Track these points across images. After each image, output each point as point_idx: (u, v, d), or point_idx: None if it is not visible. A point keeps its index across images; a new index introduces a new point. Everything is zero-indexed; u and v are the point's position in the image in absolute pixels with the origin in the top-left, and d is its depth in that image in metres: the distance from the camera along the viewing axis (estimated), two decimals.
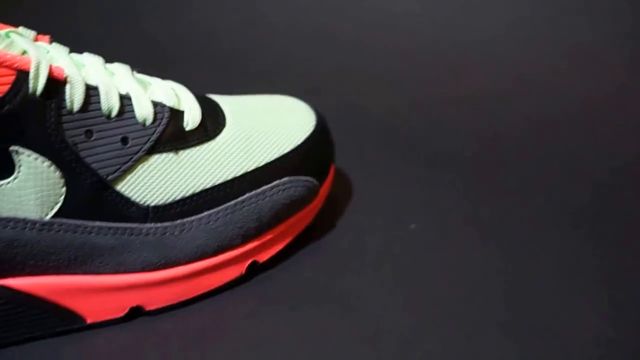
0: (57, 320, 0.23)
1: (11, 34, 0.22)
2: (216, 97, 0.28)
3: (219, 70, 0.54)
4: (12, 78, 0.20)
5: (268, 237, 0.26)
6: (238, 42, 0.59)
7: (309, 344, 0.23)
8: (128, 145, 0.23)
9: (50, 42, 0.24)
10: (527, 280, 0.27)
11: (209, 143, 0.25)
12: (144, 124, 0.23)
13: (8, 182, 0.21)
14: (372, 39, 0.56)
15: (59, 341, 0.23)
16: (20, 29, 0.23)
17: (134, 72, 0.25)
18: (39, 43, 0.23)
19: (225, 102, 0.27)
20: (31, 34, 0.24)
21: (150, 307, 0.24)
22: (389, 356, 0.23)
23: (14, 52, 0.21)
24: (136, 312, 0.24)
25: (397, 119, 0.44)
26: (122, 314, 0.24)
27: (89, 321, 0.24)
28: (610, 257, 0.28)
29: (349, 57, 0.54)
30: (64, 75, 0.21)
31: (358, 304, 0.25)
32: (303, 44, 0.57)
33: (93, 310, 0.24)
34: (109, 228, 0.23)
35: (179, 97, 0.25)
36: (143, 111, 0.23)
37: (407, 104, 0.46)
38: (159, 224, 0.23)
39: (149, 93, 0.24)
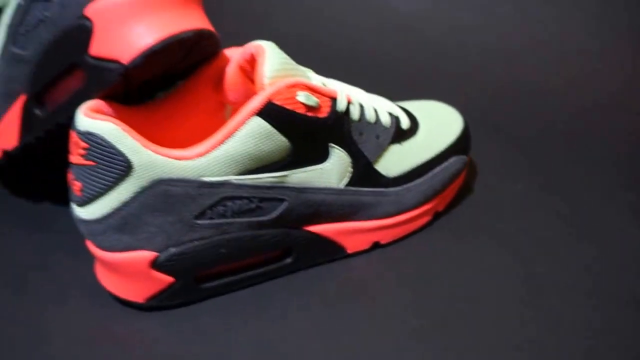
0: (332, 251, 0.38)
1: (306, 71, 0.36)
2: (399, 104, 0.43)
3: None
4: (329, 103, 0.34)
5: (445, 194, 0.41)
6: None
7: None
8: (379, 140, 0.37)
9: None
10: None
11: (415, 136, 0.39)
12: (386, 127, 0.37)
13: (324, 165, 0.35)
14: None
15: (327, 269, 0.38)
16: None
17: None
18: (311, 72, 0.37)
19: (407, 106, 0.42)
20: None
21: (384, 241, 0.39)
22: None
23: (318, 83, 0.35)
24: (375, 245, 0.39)
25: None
26: (367, 247, 0.39)
27: (348, 252, 0.38)
28: None
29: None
30: (351, 99, 0.36)
31: None
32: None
33: (352, 245, 0.38)
34: (371, 192, 0.37)
35: (392, 107, 0.39)
36: (386, 119, 0.37)
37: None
38: (396, 188, 0.38)
39: (384, 106, 0.38)
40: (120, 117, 0.34)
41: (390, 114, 0.38)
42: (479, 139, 0.45)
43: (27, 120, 0.38)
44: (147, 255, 0.33)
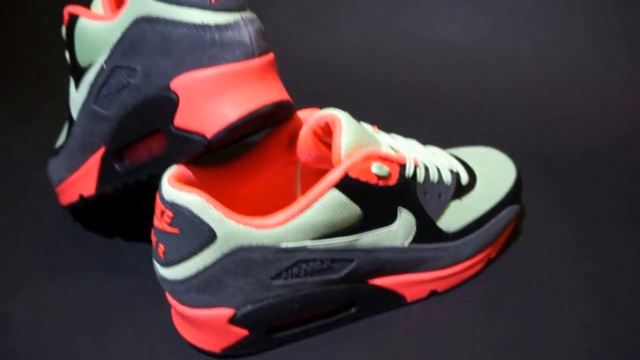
0: (393, 301, 0.40)
1: (374, 133, 0.38)
2: (454, 152, 0.44)
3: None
4: (398, 169, 0.36)
5: (497, 242, 0.43)
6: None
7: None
8: (441, 198, 0.39)
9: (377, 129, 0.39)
10: None
11: (473, 190, 0.41)
12: (447, 185, 0.39)
13: (391, 227, 0.37)
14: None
15: (387, 317, 0.40)
16: (364, 123, 0.39)
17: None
18: (373, 130, 0.39)
19: (463, 156, 0.44)
20: (368, 126, 0.39)
21: (441, 290, 0.41)
22: None
23: (388, 150, 0.37)
24: (432, 293, 0.41)
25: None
26: (425, 295, 0.41)
27: (407, 301, 0.40)
28: None
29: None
30: (417, 162, 0.37)
31: None
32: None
33: (412, 294, 0.40)
34: (432, 247, 0.39)
35: (452, 162, 0.41)
36: (447, 177, 0.39)
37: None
38: (455, 242, 0.40)
39: (445, 164, 0.40)
40: (197, 176, 0.36)
41: (451, 171, 0.40)
42: (526, 178, 0.47)
43: (106, 173, 0.40)
44: (226, 312, 0.36)
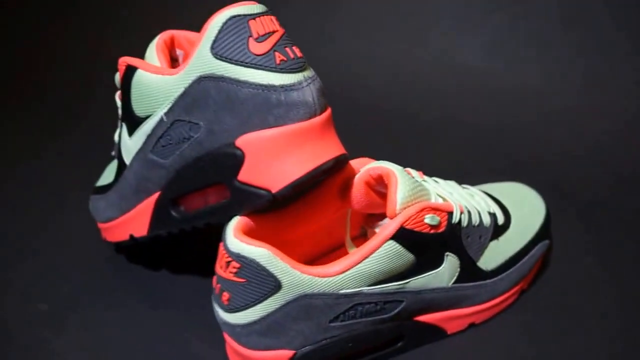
0: (435, 334, 0.42)
1: (421, 181, 0.40)
2: (485, 189, 0.47)
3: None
4: (446, 217, 0.38)
5: (529, 276, 0.46)
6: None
7: None
8: (482, 240, 0.41)
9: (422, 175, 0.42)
10: None
11: (510, 229, 0.44)
12: (487, 227, 0.42)
13: (439, 270, 0.39)
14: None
15: (430, 348, 0.43)
16: (412, 171, 0.41)
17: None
18: (424, 178, 0.41)
19: (495, 193, 0.46)
20: (416, 173, 0.41)
21: (478, 322, 0.44)
22: None
23: (437, 199, 0.39)
24: (470, 325, 0.44)
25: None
26: (464, 328, 0.43)
27: (448, 334, 0.43)
28: None
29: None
30: (462, 208, 0.40)
31: None
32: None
33: (452, 328, 0.43)
34: (472, 286, 0.42)
35: (489, 204, 0.44)
36: (487, 220, 0.42)
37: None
38: (493, 279, 0.42)
39: (484, 207, 0.42)
40: (256, 224, 0.38)
41: (489, 213, 0.42)
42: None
43: (161, 217, 0.42)
44: (286, 354, 0.38)
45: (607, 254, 0.51)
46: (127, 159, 0.43)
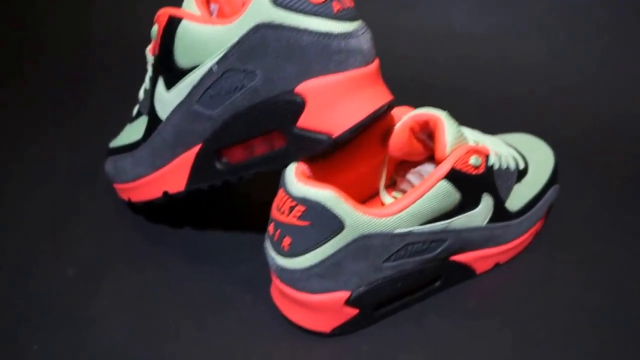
0: (467, 274, 0.46)
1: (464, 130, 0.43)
2: (504, 139, 0.50)
3: None
4: (484, 159, 0.41)
5: (543, 218, 0.50)
6: None
7: None
8: (509, 183, 0.45)
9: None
10: None
11: (528, 174, 0.47)
12: (512, 172, 0.45)
13: (476, 210, 0.42)
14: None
15: (461, 288, 0.46)
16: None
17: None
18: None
19: (511, 142, 0.50)
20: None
21: (502, 262, 0.47)
22: None
23: (474, 144, 0.42)
24: (496, 265, 0.47)
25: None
26: (490, 268, 0.47)
27: (477, 274, 0.46)
28: None
29: None
30: (496, 152, 0.43)
31: None
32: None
33: (481, 267, 0.46)
34: (501, 225, 0.45)
35: (511, 151, 0.47)
36: (512, 165, 0.45)
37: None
38: (516, 220, 0.46)
39: (508, 153, 0.46)
40: (312, 171, 0.40)
41: (513, 158, 0.46)
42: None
43: (203, 170, 0.42)
44: (343, 295, 0.40)
45: (609, 197, 0.55)
46: (163, 114, 0.43)
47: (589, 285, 0.46)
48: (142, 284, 0.46)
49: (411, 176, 0.46)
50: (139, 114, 0.47)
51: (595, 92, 0.72)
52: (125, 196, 0.49)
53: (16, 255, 0.49)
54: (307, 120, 0.38)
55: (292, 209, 0.38)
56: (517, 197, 0.46)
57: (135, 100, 0.50)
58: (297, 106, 0.37)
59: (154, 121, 0.44)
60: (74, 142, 0.64)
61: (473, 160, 0.40)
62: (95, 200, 0.54)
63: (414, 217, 0.39)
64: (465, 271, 0.46)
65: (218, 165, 0.42)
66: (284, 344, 0.42)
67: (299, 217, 0.37)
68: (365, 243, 0.38)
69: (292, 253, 0.39)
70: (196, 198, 0.48)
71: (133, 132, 0.47)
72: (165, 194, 0.45)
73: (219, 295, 0.45)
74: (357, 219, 0.37)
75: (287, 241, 0.38)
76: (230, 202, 0.55)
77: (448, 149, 0.39)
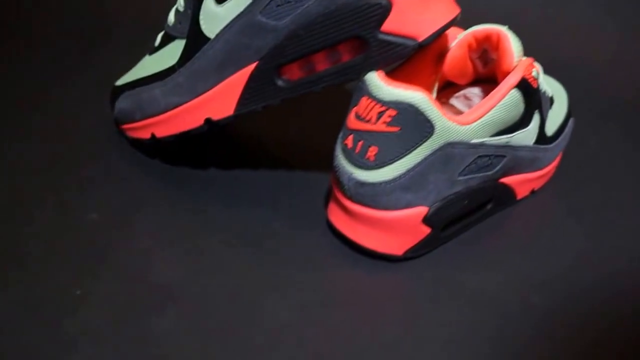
0: (511, 198, 0.47)
1: None
2: None
3: None
4: (538, 75, 0.43)
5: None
6: None
7: None
8: (547, 105, 0.47)
9: None
10: None
11: (554, 103, 0.50)
12: (548, 95, 0.47)
13: (529, 127, 0.44)
14: None
15: (506, 213, 0.47)
16: None
17: None
18: None
19: None
20: None
21: (537, 188, 0.49)
22: None
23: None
24: (532, 192, 0.49)
25: None
26: (527, 194, 0.49)
27: (517, 199, 0.48)
28: None
29: None
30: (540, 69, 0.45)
31: None
32: None
33: (521, 193, 0.48)
34: (542, 148, 0.47)
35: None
36: (547, 88, 0.47)
37: None
38: (551, 145, 0.48)
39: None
40: None
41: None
42: None
43: (259, 90, 0.40)
44: (423, 210, 0.40)
45: (615, 135, 0.58)
46: (212, 31, 0.40)
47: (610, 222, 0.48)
48: (183, 225, 0.43)
49: (455, 100, 0.47)
50: (165, 42, 0.44)
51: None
52: (145, 133, 0.45)
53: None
54: (392, 24, 0.37)
55: (380, 114, 0.37)
56: (551, 123, 0.48)
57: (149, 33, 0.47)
58: (383, 9, 0.37)
59: (196, 42, 0.41)
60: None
61: (535, 73, 0.42)
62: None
63: (487, 126, 0.40)
64: (510, 195, 0.47)
65: (279, 83, 0.40)
66: (347, 272, 0.41)
67: (389, 123, 0.37)
68: (447, 152, 0.39)
69: (379, 163, 0.38)
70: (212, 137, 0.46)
71: (160, 61, 0.44)
72: (208, 121, 0.42)
73: (269, 231, 0.43)
74: (445, 124, 0.38)
75: (373, 151, 0.38)
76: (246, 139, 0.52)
77: (516, 58, 0.41)
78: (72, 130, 0.51)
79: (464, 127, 0.39)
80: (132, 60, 0.49)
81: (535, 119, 0.45)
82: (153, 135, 0.45)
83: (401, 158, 0.38)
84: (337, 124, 0.41)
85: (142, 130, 0.46)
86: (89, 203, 0.44)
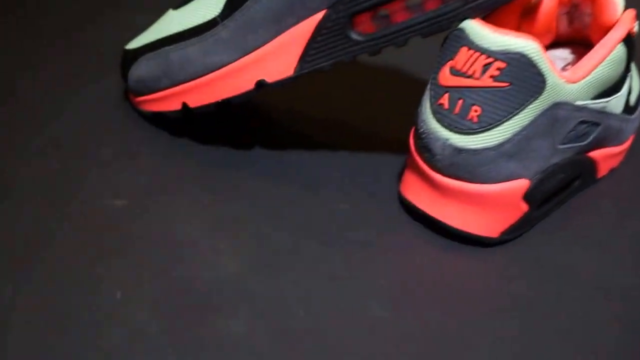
0: (594, 177, 0.42)
1: None
2: None
3: None
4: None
5: None
6: None
7: None
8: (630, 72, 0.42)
9: None
10: None
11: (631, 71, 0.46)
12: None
13: (621, 92, 0.39)
14: None
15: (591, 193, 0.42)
16: None
17: None
18: None
19: None
20: None
21: (616, 165, 0.44)
22: None
23: None
24: (611, 171, 0.44)
25: None
26: (606, 172, 0.44)
27: (597, 177, 0.43)
28: None
29: None
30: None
31: None
32: None
33: (602, 171, 0.43)
34: (626, 118, 0.42)
35: None
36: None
37: None
38: (632, 115, 0.44)
39: None
40: None
41: None
42: None
43: (329, 45, 0.35)
44: (525, 183, 0.34)
45: None
46: None
47: None
48: (229, 211, 0.36)
49: None
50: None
51: None
52: (173, 104, 0.38)
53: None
54: None
55: (486, 67, 0.31)
56: (632, 91, 0.44)
57: None
58: None
59: None
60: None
61: (636, 27, 0.37)
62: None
63: (592, 86, 0.35)
64: (594, 172, 0.42)
65: (354, 36, 0.34)
66: (435, 256, 0.36)
67: (496, 77, 0.31)
68: (554, 113, 0.34)
69: (480, 126, 0.32)
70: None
71: (192, 14, 0.37)
72: (260, 84, 0.36)
73: (337, 215, 0.37)
74: (555, 81, 0.33)
75: (477, 111, 0.32)
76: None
77: (620, 10, 0.36)
78: (72, 108, 0.43)
79: (571, 85, 0.34)
80: (143, 21, 0.42)
81: (626, 84, 0.40)
82: (185, 106, 0.38)
83: (509, 119, 0.32)
84: (398, 94, 0.35)
85: (170, 100, 0.38)
86: (111, 188, 0.37)
